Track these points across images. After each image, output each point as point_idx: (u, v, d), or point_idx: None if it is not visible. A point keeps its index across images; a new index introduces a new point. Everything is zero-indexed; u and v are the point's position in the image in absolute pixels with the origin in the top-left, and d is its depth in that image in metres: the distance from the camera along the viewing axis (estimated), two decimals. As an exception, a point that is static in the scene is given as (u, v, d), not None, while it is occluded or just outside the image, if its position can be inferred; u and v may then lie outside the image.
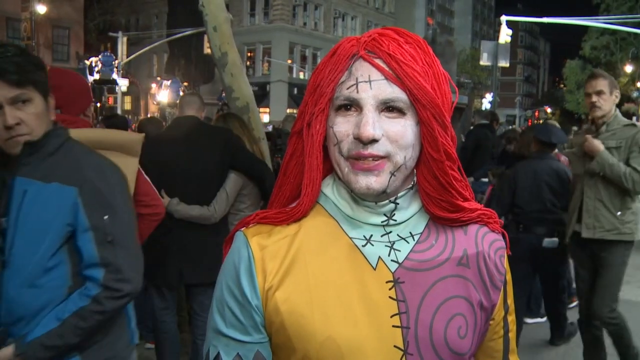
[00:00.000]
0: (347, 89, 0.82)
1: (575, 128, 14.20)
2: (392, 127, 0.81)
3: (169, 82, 24.97)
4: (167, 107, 23.49)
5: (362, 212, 0.88)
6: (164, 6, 34.22)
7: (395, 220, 0.88)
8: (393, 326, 0.84)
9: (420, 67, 0.82)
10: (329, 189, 0.91)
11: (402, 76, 0.80)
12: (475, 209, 0.92)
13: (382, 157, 0.81)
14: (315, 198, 0.89)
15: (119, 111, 24.17)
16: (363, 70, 0.82)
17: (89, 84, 2.74)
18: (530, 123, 32.75)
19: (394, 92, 0.81)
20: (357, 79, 0.82)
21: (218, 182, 3.13)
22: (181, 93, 21.17)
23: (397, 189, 0.86)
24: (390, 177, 0.83)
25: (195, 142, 3.09)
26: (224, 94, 14.35)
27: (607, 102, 3.33)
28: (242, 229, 0.91)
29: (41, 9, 24.26)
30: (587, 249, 3.52)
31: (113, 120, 4.79)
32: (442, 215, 0.89)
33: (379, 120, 0.81)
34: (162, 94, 25.02)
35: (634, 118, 28.12)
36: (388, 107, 0.82)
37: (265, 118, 28.84)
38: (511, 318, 0.98)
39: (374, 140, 0.80)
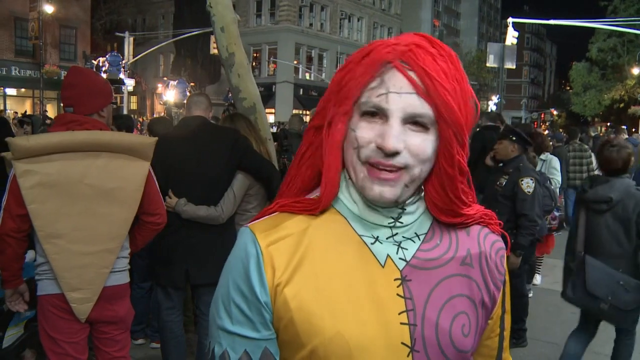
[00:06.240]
0: (377, 96, 0.82)
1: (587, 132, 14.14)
2: (414, 141, 0.82)
3: (175, 82, 24.97)
4: (174, 107, 23.50)
5: (370, 213, 0.89)
6: (170, 6, 34.32)
7: (402, 223, 0.89)
8: (401, 323, 0.85)
9: (450, 84, 0.82)
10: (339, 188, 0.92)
11: (433, 93, 0.80)
12: (477, 211, 0.95)
13: (400, 169, 0.82)
14: (334, 197, 0.90)
15: (125, 111, 24.24)
16: (395, 80, 0.81)
17: (109, 84, 2.67)
18: (535, 125, 32.56)
19: (422, 108, 0.81)
20: (388, 88, 0.81)
21: (225, 183, 3.14)
22: (188, 93, 21.19)
23: (407, 198, 0.88)
24: (404, 188, 0.84)
25: (202, 143, 3.09)
26: (229, 95, 14.33)
27: None
28: (249, 225, 0.91)
29: (49, 9, 24.46)
30: None
31: (120, 120, 4.77)
32: (446, 220, 0.92)
33: (403, 132, 0.81)
34: (169, 94, 25.03)
35: (641, 121, 28.00)
36: (414, 121, 0.82)
37: (271, 119, 28.83)
38: (507, 317, 1.01)
39: (396, 153, 0.81)
